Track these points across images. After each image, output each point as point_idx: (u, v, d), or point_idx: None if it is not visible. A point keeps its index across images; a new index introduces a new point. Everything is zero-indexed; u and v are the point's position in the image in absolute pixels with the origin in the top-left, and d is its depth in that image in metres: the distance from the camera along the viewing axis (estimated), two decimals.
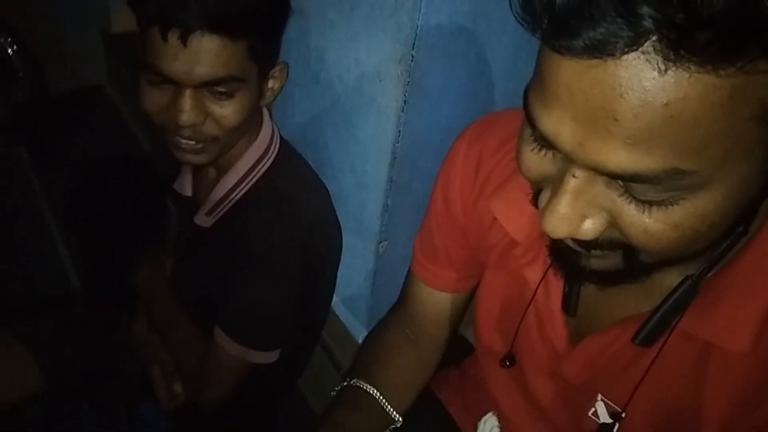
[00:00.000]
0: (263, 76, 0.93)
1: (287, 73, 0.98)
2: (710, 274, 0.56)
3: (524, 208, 0.66)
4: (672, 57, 0.36)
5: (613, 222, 0.46)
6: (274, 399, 1.26)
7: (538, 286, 0.68)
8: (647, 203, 0.43)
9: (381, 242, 1.08)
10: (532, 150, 0.48)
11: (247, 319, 0.99)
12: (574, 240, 0.49)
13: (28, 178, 1.94)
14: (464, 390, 0.91)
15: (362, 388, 0.81)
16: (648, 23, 0.36)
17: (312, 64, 1.06)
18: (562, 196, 0.45)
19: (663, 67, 0.37)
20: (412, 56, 0.86)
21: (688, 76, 0.37)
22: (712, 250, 0.53)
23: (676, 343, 0.58)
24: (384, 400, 0.81)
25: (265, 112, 1.01)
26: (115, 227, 1.53)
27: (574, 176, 0.44)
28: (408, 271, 0.89)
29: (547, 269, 0.67)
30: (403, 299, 0.90)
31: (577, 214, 0.45)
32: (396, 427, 0.83)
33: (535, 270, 0.68)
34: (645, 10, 0.35)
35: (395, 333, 0.89)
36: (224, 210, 1.00)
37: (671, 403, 0.60)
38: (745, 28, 0.35)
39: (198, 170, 1.05)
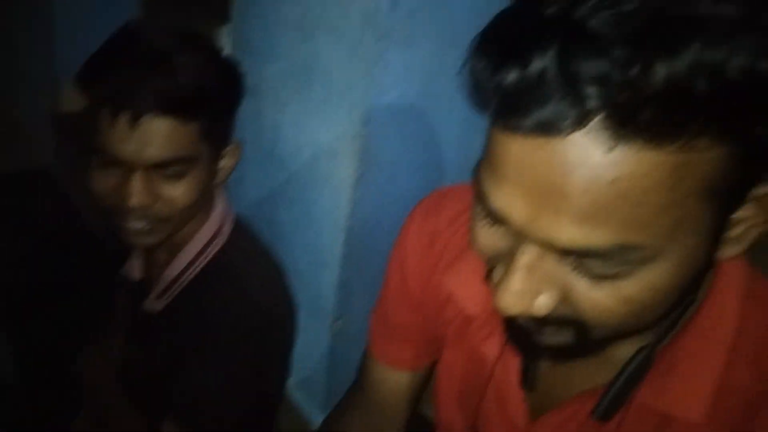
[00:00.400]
0: (216, 156, 0.92)
1: (241, 152, 0.98)
2: (663, 343, 0.56)
3: (479, 282, 0.66)
4: (617, 135, 0.37)
5: (565, 297, 0.46)
6: None
7: (497, 361, 0.68)
8: (598, 278, 0.44)
9: (336, 320, 1.07)
10: (485, 226, 0.48)
11: (198, 406, 0.95)
12: (527, 317, 0.49)
13: None
14: None
15: None
16: (593, 103, 0.37)
17: (266, 142, 1.08)
18: (515, 273, 0.45)
19: (609, 145, 0.38)
20: (365, 133, 0.88)
21: (633, 153, 0.38)
22: (664, 319, 0.54)
23: (634, 416, 0.57)
24: None
25: (219, 190, 1.01)
26: (58, 313, 1.47)
27: (525, 252, 0.44)
28: (365, 350, 0.87)
29: (505, 343, 0.66)
30: (361, 379, 0.88)
31: (529, 291, 0.45)
32: None
33: (493, 344, 0.68)
34: (590, 90, 0.37)
35: (353, 416, 0.86)
36: (175, 292, 0.97)
37: None
38: (685, 105, 0.36)
39: (148, 253, 1.03)
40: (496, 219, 0.45)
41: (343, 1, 0.89)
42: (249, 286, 0.95)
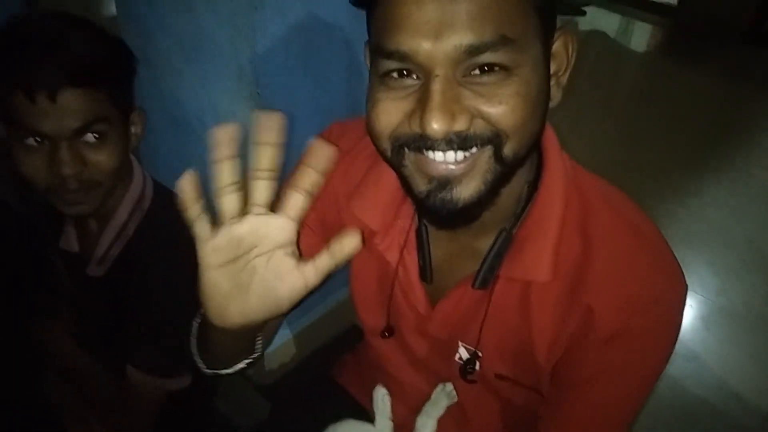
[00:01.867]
0: (125, 120, 0.99)
1: (145, 117, 1.03)
2: (516, 228, 0.73)
3: (377, 203, 0.80)
4: None
5: (476, 114, 0.60)
6: (196, 421, 1.34)
7: (398, 264, 0.83)
8: (492, 85, 0.59)
9: None
10: (390, 98, 0.62)
11: (156, 352, 1.06)
12: (450, 142, 0.61)
13: None
14: (360, 370, 1.04)
15: None
16: None
17: (169, 109, 1.14)
18: (435, 99, 0.58)
19: None
20: (258, 93, 0.97)
21: None
22: (514, 210, 0.70)
23: (502, 287, 0.74)
24: None
25: (134, 159, 1.08)
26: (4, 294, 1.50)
27: (436, 81, 0.58)
28: None
29: (402, 250, 0.81)
30: None
31: (449, 111, 0.59)
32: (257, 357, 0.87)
33: (393, 251, 0.82)
34: None
35: None
36: (113, 256, 1.06)
37: (511, 335, 0.76)
38: None
39: (80, 226, 1.10)
40: (405, 67, 0.60)
41: None
42: (180, 238, 1.04)
